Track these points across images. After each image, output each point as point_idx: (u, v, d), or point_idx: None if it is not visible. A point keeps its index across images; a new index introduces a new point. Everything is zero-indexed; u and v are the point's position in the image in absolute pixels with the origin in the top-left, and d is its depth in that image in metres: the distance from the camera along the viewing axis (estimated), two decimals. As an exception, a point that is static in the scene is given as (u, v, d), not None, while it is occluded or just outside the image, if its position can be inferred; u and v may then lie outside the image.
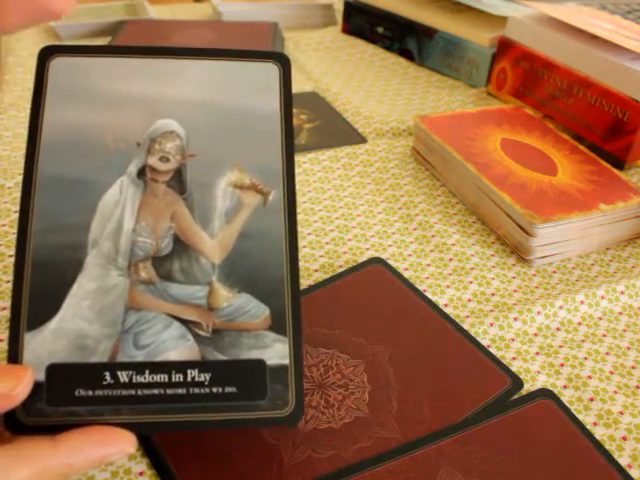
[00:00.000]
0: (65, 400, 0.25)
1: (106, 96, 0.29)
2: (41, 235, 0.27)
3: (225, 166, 0.29)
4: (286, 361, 0.26)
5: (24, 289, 0.27)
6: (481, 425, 0.32)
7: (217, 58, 0.30)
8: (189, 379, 0.26)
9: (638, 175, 0.56)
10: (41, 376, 0.25)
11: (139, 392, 0.26)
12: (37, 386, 0.25)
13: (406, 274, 0.43)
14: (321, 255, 0.44)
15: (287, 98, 0.30)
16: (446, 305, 0.41)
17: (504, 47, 0.65)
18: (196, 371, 0.26)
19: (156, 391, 0.26)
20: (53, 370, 0.26)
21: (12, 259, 0.42)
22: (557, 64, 0.60)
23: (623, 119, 0.54)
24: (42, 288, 0.27)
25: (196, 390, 0.26)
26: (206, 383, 0.26)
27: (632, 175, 0.55)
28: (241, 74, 0.30)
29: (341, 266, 0.43)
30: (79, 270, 0.27)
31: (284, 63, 0.31)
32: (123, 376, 0.26)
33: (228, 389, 0.26)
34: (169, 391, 0.26)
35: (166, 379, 0.26)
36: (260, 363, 0.26)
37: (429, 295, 0.41)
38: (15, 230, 0.44)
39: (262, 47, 0.72)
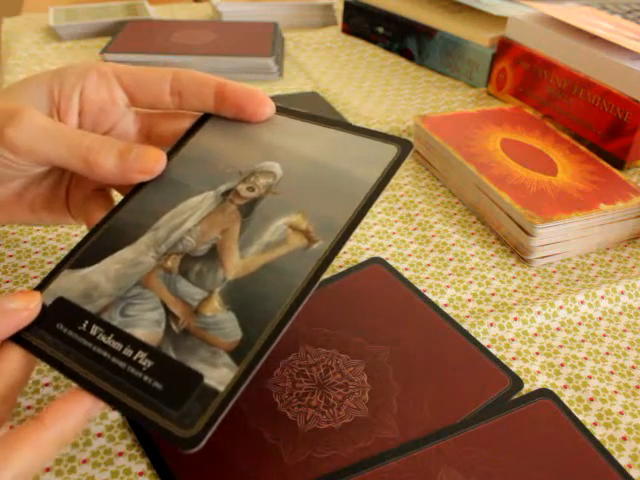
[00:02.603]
0: (45, 326, 0.28)
1: (243, 135, 0.34)
2: (129, 211, 0.32)
3: (292, 209, 0.30)
4: (221, 388, 0.26)
5: (92, 238, 0.31)
6: (481, 425, 0.32)
7: (349, 132, 0.33)
8: (134, 358, 0.27)
9: (638, 175, 0.56)
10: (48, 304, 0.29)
11: (93, 348, 0.27)
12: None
13: (406, 274, 0.43)
14: (321, 255, 0.44)
15: (388, 175, 0.31)
16: (446, 305, 0.41)
17: (504, 47, 0.65)
18: (144, 354, 0.27)
19: (104, 354, 0.27)
20: (57, 302, 0.29)
21: (12, 259, 0.42)
22: (557, 64, 0.60)
23: (623, 119, 0.54)
24: (100, 243, 0.31)
25: (132, 370, 0.27)
26: (144, 368, 0.27)
27: (632, 175, 0.56)
28: (361, 147, 0.32)
29: (341, 266, 0.43)
30: (130, 243, 0.31)
31: (406, 148, 0.32)
32: (94, 330, 0.28)
33: (156, 384, 0.26)
34: (113, 359, 0.27)
35: (119, 348, 0.27)
36: (197, 375, 0.26)
37: (429, 295, 0.41)
38: (14, 231, 0.45)
39: (262, 47, 0.72)
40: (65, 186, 0.37)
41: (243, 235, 0.30)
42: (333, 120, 0.34)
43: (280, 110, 0.35)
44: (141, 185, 0.33)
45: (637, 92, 0.53)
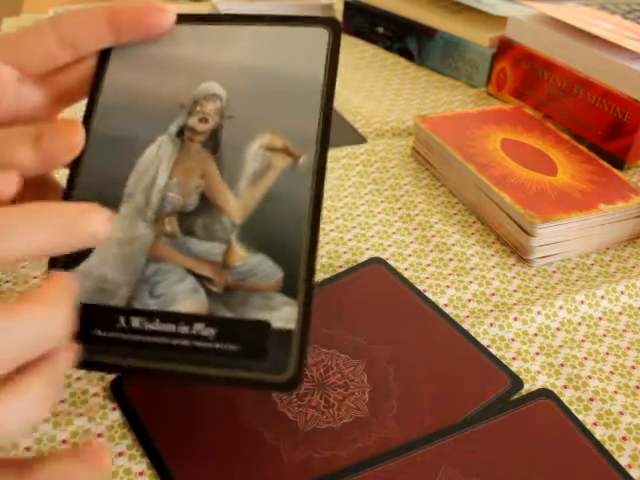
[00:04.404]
0: (82, 339, 0.26)
1: (158, 60, 0.31)
2: (84, 189, 0.29)
3: (260, 129, 0.29)
4: (292, 325, 0.26)
5: None
6: (481, 425, 0.32)
7: (267, 24, 0.31)
8: (194, 332, 0.26)
9: (638, 175, 0.56)
10: None
11: (147, 339, 0.26)
12: None
13: (406, 274, 0.43)
14: (321, 255, 0.44)
15: (333, 63, 0.29)
16: (446, 305, 0.41)
17: (504, 47, 0.65)
18: (202, 325, 0.26)
19: (163, 340, 0.26)
20: (78, 310, 0.26)
21: (12, 259, 0.42)
22: (557, 64, 0.60)
23: (623, 119, 0.54)
24: None
25: (199, 343, 0.26)
26: (210, 338, 0.26)
27: (632, 175, 0.55)
28: (289, 39, 0.30)
29: (341, 266, 0.43)
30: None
31: (335, 28, 0.30)
32: (135, 322, 0.27)
33: (230, 346, 0.26)
34: (174, 341, 0.26)
35: (173, 329, 0.26)
36: (264, 324, 0.26)
37: (429, 295, 0.41)
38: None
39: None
40: None
41: (225, 173, 0.29)
42: (243, 16, 0.31)
43: (182, 19, 0.31)
44: (79, 158, 0.29)
45: (637, 92, 0.53)
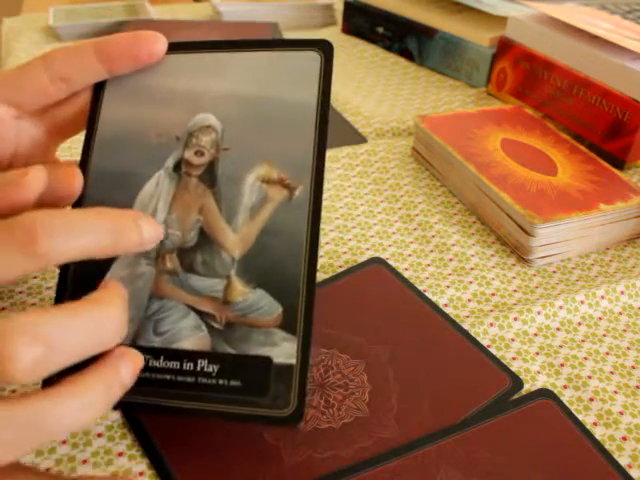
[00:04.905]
0: None
1: (153, 92, 0.30)
2: None
3: (255, 160, 0.29)
4: (292, 361, 0.26)
5: (69, 273, 0.29)
6: (481, 425, 0.32)
7: (259, 50, 0.30)
8: (198, 368, 0.27)
9: (638, 175, 0.56)
10: None
11: (152, 376, 0.27)
12: None
13: (406, 274, 0.43)
14: (321, 255, 0.44)
15: (325, 87, 0.29)
16: (446, 305, 0.41)
17: (504, 47, 0.65)
18: (205, 361, 0.27)
19: (167, 377, 0.27)
20: None
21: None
22: (557, 64, 0.60)
23: (623, 119, 0.54)
24: (83, 273, 0.29)
25: (203, 380, 0.27)
26: (213, 374, 0.27)
27: (632, 175, 0.55)
28: (281, 65, 0.30)
29: (341, 266, 0.43)
30: (115, 258, 0.29)
31: (326, 50, 0.30)
32: None
33: (233, 382, 0.26)
34: (179, 378, 0.27)
35: (178, 366, 0.27)
36: (266, 360, 0.26)
37: (429, 295, 0.41)
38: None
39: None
40: None
41: (223, 207, 0.29)
42: (234, 42, 0.31)
43: (174, 47, 0.31)
44: (80, 196, 0.29)
45: (637, 92, 0.53)
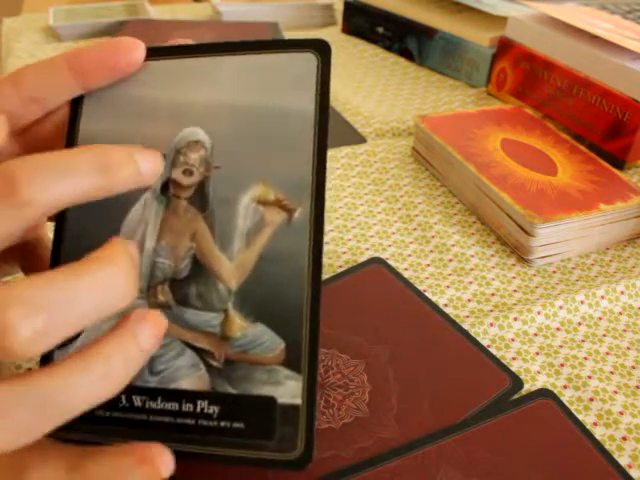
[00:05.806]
0: (84, 419, 0.24)
1: (134, 105, 0.27)
2: (69, 258, 0.25)
3: (250, 179, 0.26)
4: (298, 401, 0.24)
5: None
6: (481, 425, 0.32)
7: (248, 53, 0.27)
8: (198, 410, 0.25)
9: (638, 175, 0.56)
10: None
11: (150, 418, 0.25)
12: None
13: (406, 274, 0.43)
14: (321, 255, 0.44)
15: (324, 93, 0.26)
16: (446, 305, 0.41)
17: (504, 47, 0.65)
18: (205, 402, 0.25)
19: (166, 419, 0.25)
20: None
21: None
22: (557, 64, 0.60)
23: (623, 119, 0.54)
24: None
25: (204, 422, 0.25)
26: (214, 416, 0.25)
27: (632, 175, 0.55)
28: (273, 69, 0.27)
29: (341, 266, 0.43)
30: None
31: (323, 51, 0.27)
32: (137, 400, 0.25)
33: (236, 425, 0.24)
34: (178, 420, 0.25)
35: (176, 407, 0.25)
36: (270, 401, 0.24)
37: (429, 295, 0.41)
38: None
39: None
40: None
41: (216, 232, 0.26)
42: (221, 44, 0.27)
43: (153, 53, 0.27)
44: (62, 223, 0.27)
45: (637, 92, 0.53)
